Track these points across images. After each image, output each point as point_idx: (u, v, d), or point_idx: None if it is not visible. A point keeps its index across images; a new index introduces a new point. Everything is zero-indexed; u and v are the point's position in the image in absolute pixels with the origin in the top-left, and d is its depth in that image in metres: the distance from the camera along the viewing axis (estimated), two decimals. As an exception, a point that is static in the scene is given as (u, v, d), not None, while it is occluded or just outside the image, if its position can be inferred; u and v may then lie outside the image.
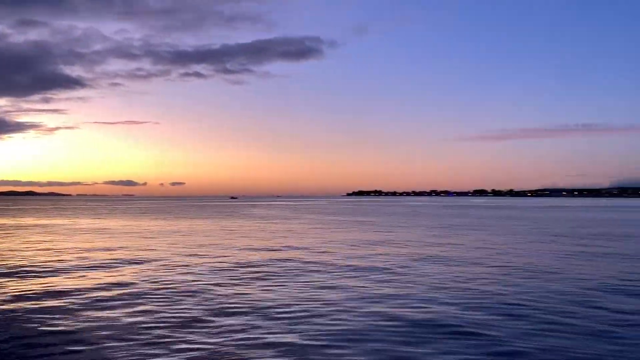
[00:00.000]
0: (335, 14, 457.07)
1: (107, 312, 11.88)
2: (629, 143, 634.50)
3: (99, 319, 11.23)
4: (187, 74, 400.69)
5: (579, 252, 24.28)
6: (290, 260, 21.22)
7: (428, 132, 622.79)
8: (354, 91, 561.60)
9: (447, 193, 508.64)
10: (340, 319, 11.12)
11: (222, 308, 12.25)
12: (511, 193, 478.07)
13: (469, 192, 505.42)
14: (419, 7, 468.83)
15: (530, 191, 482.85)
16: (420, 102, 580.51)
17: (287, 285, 15.29)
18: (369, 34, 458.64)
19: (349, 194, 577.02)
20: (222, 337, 9.79)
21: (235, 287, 15.00)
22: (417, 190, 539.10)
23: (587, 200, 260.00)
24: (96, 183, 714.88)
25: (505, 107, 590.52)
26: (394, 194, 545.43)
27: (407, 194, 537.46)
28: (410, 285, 15.46)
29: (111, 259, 21.50)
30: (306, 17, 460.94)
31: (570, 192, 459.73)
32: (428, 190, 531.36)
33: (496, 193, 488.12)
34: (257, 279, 16.61)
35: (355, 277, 16.94)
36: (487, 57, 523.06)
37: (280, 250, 25.27)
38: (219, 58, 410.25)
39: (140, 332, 10.16)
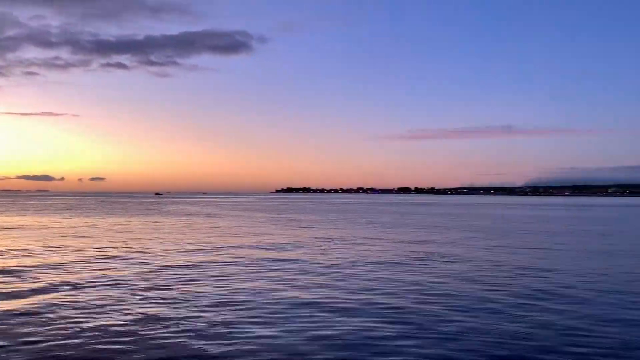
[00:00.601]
0: (264, 9, 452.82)
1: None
2: (544, 145, 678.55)
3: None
4: (108, 65, 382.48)
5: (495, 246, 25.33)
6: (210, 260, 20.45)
7: (356, 131, 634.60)
8: (283, 88, 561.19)
9: (373, 190, 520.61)
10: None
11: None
12: (433, 191, 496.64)
13: (393, 190, 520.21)
14: (347, 5, 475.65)
15: (450, 189, 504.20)
16: (348, 101, 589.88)
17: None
18: (297, 31, 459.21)
19: (277, 191, 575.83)
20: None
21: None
22: (345, 187, 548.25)
23: (503, 197, 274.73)
24: (8, 178, 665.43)
25: (429, 107, 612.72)
26: (322, 191, 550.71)
27: (335, 191, 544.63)
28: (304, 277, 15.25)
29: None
30: (234, 11, 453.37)
31: (487, 190, 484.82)
32: (355, 187, 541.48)
33: (419, 191, 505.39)
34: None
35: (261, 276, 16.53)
36: (412, 58, 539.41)
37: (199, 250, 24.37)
38: (142, 49, 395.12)
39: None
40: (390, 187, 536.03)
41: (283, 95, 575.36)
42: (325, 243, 28.00)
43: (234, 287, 14.87)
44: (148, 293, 14.00)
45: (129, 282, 15.70)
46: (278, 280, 16.15)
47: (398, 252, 24.02)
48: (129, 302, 12.78)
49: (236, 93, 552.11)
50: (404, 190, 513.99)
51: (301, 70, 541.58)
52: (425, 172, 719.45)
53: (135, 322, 10.90)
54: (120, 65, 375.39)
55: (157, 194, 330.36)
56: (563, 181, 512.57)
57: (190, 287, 14.83)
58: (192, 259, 21.02)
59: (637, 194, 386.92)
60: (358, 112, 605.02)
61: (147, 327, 10.53)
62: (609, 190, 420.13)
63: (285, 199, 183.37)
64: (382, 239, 30.49)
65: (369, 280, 16.31)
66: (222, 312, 11.80)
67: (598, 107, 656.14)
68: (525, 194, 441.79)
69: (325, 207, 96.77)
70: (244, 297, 13.58)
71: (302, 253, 23.35)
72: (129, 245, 26.03)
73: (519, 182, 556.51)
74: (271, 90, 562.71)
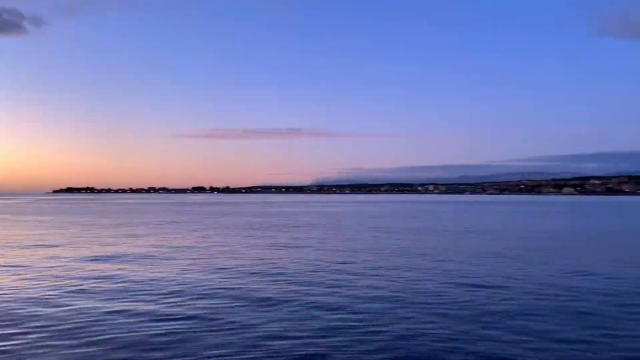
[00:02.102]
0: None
1: None
2: (329, 146, 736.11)
3: None
4: None
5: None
6: None
7: (147, 127, 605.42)
8: (64, 76, 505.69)
9: (165, 190, 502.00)
10: None
11: None
12: (228, 190, 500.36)
13: (187, 189, 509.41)
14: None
15: (244, 188, 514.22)
16: (141, 95, 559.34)
17: None
18: (82, 16, 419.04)
19: (55, 191, 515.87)
20: None
21: None
22: (135, 187, 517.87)
23: (294, 196, 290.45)
24: None
25: (225, 107, 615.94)
26: (108, 191, 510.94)
27: (124, 191, 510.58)
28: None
29: None
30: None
31: (279, 189, 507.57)
32: (146, 187, 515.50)
33: (214, 190, 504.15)
34: None
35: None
36: (210, 57, 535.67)
37: None
38: None
39: None
40: (184, 186, 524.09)
41: (64, 83, 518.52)
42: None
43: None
44: None
45: None
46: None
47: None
48: None
49: (5, 79, 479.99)
50: (199, 189, 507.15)
51: (86, 59, 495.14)
52: (220, 171, 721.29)
53: None
54: None
55: None
56: (345, 180, 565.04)
57: None
58: None
59: (405, 191, 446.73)
60: (151, 108, 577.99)
61: None
62: (382, 189, 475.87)
63: (60, 200, 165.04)
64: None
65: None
66: None
67: (378, 113, 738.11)
68: (313, 192, 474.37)
69: (126, 208, 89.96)
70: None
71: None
72: None
73: (307, 181, 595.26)
74: (49, 77, 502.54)
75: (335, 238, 31.27)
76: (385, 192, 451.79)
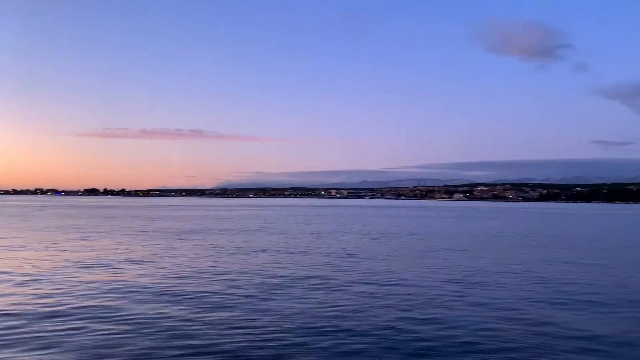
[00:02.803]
0: None
1: None
2: (232, 149, 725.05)
3: None
4: None
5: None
6: None
7: (35, 124, 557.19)
8: None
9: (54, 192, 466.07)
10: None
11: None
12: (123, 192, 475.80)
13: (79, 191, 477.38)
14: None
15: (141, 191, 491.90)
16: (27, 91, 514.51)
17: None
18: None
19: None
20: None
21: None
22: (19, 188, 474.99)
23: (195, 199, 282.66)
24: None
25: (122, 105, 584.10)
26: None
27: (7, 192, 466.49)
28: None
29: None
30: None
31: (179, 192, 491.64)
32: (32, 188, 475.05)
33: (108, 192, 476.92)
34: None
35: None
36: (104, 55, 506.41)
37: None
38: None
39: None
40: (75, 188, 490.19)
41: None
42: None
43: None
44: None
45: None
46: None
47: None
48: None
49: None
50: (92, 191, 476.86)
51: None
52: (116, 173, 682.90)
53: None
54: None
55: None
56: (249, 184, 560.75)
57: None
58: None
59: (309, 195, 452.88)
60: (41, 104, 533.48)
61: None
62: (286, 193, 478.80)
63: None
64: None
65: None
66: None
67: (281, 117, 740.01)
68: (215, 195, 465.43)
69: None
70: None
71: None
72: None
73: (209, 184, 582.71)
74: None
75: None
76: (290, 196, 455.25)
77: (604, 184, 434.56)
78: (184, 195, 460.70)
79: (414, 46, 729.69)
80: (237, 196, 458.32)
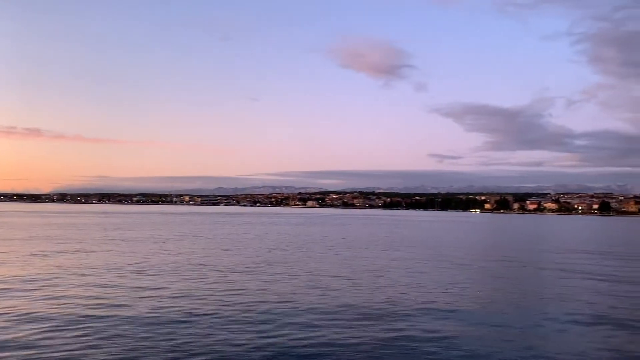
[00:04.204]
0: None
1: None
2: (73, 151, 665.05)
3: None
4: None
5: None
6: None
7: None
8: None
9: None
10: None
11: None
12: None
13: None
14: None
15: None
16: None
17: None
18: None
19: None
20: None
21: None
22: None
23: (29, 205, 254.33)
24: None
25: None
26: None
27: None
28: None
29: None
30: None
31: (9, 197, 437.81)
32: None
33: None
34: None
35: None
36: None
37: None
38: None
39: None
40: None
41: None
42: None
43: None
44: None
45: None
46: None
47: None
48: None
49: None
50: None
51: None
52: None
53: None
54: None
55: None
56: (92, 189, 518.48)
57: None
58: None
59: (160, 202, 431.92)
60: None
61: None
62: (134, 199, 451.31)
63: None
64: None
65: None
66: None
67: (127, 118, 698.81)
68: (52, 200, 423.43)
69: None
70: None
71: None
72: None
73: (46, 188, 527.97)
74: None
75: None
76: (138, 202, 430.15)
77: (438, 193, 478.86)
78: (15, 200, 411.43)
79: (274, 56, 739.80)
80: (79, 202, 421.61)
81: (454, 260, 30.31)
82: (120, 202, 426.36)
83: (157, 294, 16.72)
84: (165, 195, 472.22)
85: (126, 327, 12.30)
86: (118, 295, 16.40)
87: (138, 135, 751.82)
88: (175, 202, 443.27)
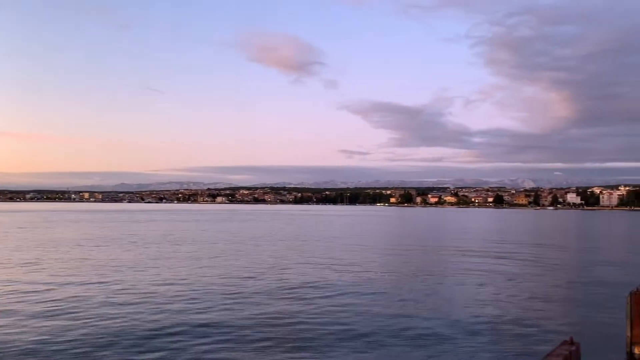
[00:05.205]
0: None
1: None
2: None
3: None
4: None
5: None
6: None
7: None
8: None
9: None
10: None
11: None
12: None
13: None
14: None
15: None
16: None
17: None
18: None
19: None
20: None
21: None
22: None
23: None
24: None
25: None
26: None
27: None
28: None
29: None
30: None
31: None
32: None
33: None
34: None
35: None
36: None
37: None
38: None
39: None
40: None
41: None
42: None
43: None
44: None
45: None
46: None
47: None
48: None
49: None
50: None
51: None
52: None
53: None
54: None
55: None
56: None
57: None
58: None
59: (56, 199, 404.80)
60: None
61: None
62: (28, 196, 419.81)
63: None
64: None
65: None
66: None
67: (19, 108, 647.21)
68: None
69: None
70: None
71: None
72: None
73: None
74: None
75: None
76: (32, 199, 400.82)
77: (347, 188, 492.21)
78: None
79: (180, 47, 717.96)
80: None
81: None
82: (11, 199, 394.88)
83: None
84: (63, 192, 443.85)
85: None
86: None
87: (31, 127, 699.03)
88: (74, 199, 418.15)
